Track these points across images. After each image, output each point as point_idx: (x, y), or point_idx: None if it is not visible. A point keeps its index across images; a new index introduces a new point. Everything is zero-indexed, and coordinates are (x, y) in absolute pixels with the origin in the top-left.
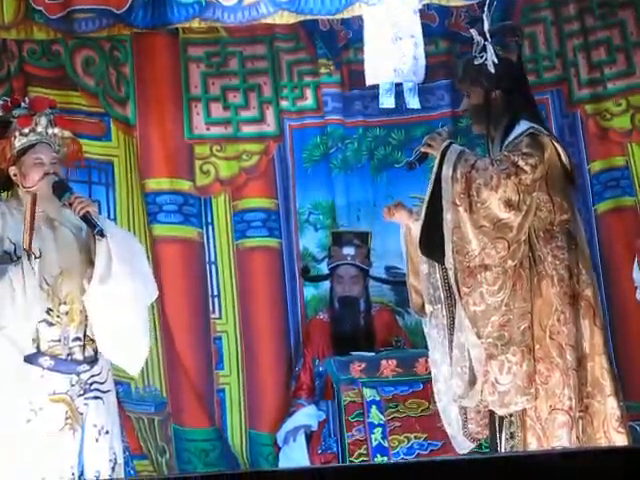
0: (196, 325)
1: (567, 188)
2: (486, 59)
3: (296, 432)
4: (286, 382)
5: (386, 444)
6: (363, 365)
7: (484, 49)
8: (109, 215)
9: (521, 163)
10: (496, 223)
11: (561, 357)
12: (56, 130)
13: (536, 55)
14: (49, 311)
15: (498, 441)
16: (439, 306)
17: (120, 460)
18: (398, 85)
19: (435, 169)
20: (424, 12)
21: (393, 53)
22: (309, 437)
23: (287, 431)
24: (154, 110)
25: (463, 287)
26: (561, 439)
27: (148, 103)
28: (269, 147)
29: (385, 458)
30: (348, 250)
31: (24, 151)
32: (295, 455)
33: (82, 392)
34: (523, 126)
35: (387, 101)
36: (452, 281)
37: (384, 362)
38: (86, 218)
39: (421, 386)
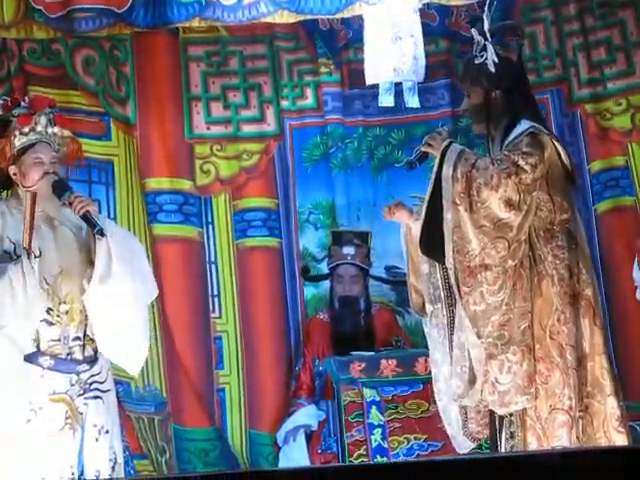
0: (196, 325)
1: (567, 188)
2: (486, 59)
3: (296, 432)
4: (286, 382)
5: (386, 445)
6: (363, 365)
7: (484, 48)
8: (109, 214)
9: (521, 162)
10: (496, 223)
11: (561, 357)
12: (56, 129)
13: (536, 55)
14: (49, 311)
15: (498, 441)
16: (439, 306)
17: (120, 460)
18: (398, 84)
19: (435, 168)
20: (424, 11)
21: (393, 53)
22: (309, 437)
23: (287, 431)
24: (154, 109)
25: (463, 287)
26: (561, 439)
27: (148, 102)
28: (269, 146)
29: (385, 459)
30: (348, 250)
31: (24, 150)
32: (295, 455)
33: (82, 392)
34: (523, 125)
35: (386, 100)
36: (452, 281)
37: (384, 362)
38: (86, 217)
39: (421, 386)
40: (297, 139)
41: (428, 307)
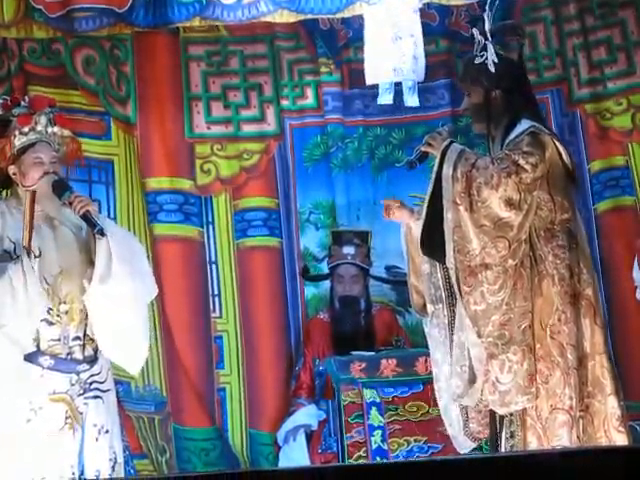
0: (196, 324)
1: (568, 187)
2: (486, 58)
3: (296, 431)
4: (286, 381)
5: (386, 447)
6: (363, 365)
7: (485, 48)
8: (109, 214)
9: (522, 162)
10: (497, 222)
11: (562, 356)
12: (56, 129)
13: (536, 54)
14: (49, 310)
15: (498, 440)
16: (440, 305)
17: (120, 459)
18: (398, 84)
19: (436, 168)
20: (424, 11)
21: (393, 52)
22: (309, 436)
23: (287, 430)
24: (154, 109)
25: (464, 286)
26: (561, 438)
27: (148, 102)
28: (270, 146)
29: (385, 461)
30: (348, 249)
31: (24, 150)
32: (295, 455)
33: (82, 391)
34: (524, 125)
35: (385, 98)
36: (453, 280)
37: (384, 361)
38: (86, 217)
39: (421, 387)
40: (297, 139)
41: (429, 307)
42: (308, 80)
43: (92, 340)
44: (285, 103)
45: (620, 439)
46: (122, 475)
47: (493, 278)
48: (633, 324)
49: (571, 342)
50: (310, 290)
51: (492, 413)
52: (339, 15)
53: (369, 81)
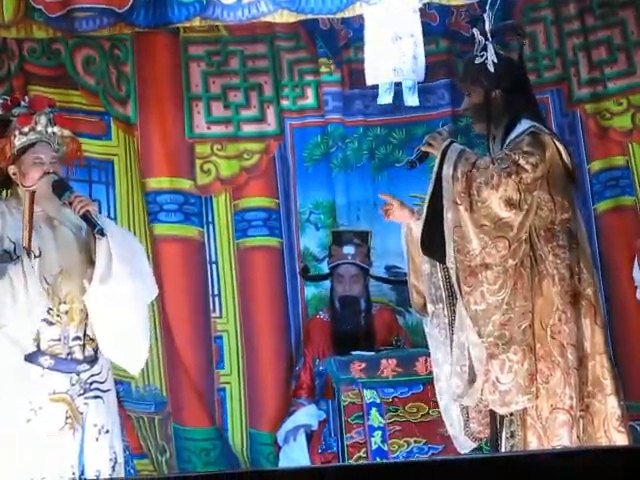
0: (196, 324)
1: (568, 187)
2: (487, 58)
3: (296, 431)
4: (286, 381)
5: (386, 448)
6: (363, 365)
7: (485, 48)
8: (109, 214)
9: (522, 162)
10: (497, 222)
11: (562, 356)
12: (55, 129)
13: (536, 54)
14: (49, 310)
15: (499, 440)
16: (441, 305)
17: (120, 459)
18: (398, 84)
19: (436, 168)
20: (424, 11)
21: (393, 52)
22: (309, 436)
23: (287, 430)
24: (155, 109)
25: (464, 286)
26: (562, 438)
27: (149, 102)
28: (270, 146)
29: (385, 461)
30: (348, 249)
31: (24, 150)
32: (295, 454)
33: (82, 391)
34: (524, 125)
35: (385, 98)
36: (454, 280)
37: (384, 361)
38: (86, 217)
39: (421, 388)
40: (297, 139)
41: (429, 307)
42: (308, 80)
43: (92, 340)
44: (285, 103)
45: (620, 439)
46: (122, 475)
47: (493, 278)
48: (633, 324)
49: (571, 342)
50: (310, 290)
51: (492, 413)
52: (339, 15)
53: (369, 81)
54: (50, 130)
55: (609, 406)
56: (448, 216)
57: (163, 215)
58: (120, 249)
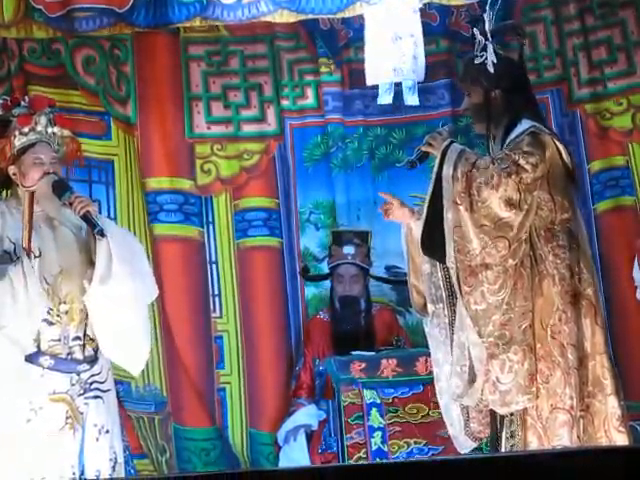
0: (197, 324)
1: (568, 187)
2: (486, 58)
3: (296, 431)
4: (286, 381)
5: (386, 448)
6: (363, 365)
7: (485, 48)
8: (109, 214)
9: (522, 162)
10: (497, 222)
11: (562, 356)
12: (55, 129)
13: (536, 54)
14: (49, 310)
15: (499, 440)
16: (441, 305)
17: (120, 459)
18: (398, 84)
19: (436, 168)
20: (424, 11)
21: (393, 52)
22: (309, 436)
23: (287, 430)
24: (155, 109)
25: (464, 286)
26: (562, 438)
27: (149, 102)
28: (270, 146)
29: (385, 461)
30: (348, 249)
31: (24, 150)
32: (295, 454)
33: (82, 391)
34: (524, 125)
35: (385, 98)
36: (454, 280)
37: (384, 361)
38: (86, 218)
39: (421, 388)
40: (298, 139)
41: (430, 307)
42: (308, 80)
43: (92, 340)
44: (285, 103)
45: (620, 439)
46: (122, 475)
47: (493, 278)
48: (633, 324)
49: (572, 342)
50: (310, 290)
51: (493, 413)
52: (339, 15)
53: (369, 81)
54: (50, 130)
55: (609, 406)
56: (448, 216)
57: (163, 215)
58: (120, 249)
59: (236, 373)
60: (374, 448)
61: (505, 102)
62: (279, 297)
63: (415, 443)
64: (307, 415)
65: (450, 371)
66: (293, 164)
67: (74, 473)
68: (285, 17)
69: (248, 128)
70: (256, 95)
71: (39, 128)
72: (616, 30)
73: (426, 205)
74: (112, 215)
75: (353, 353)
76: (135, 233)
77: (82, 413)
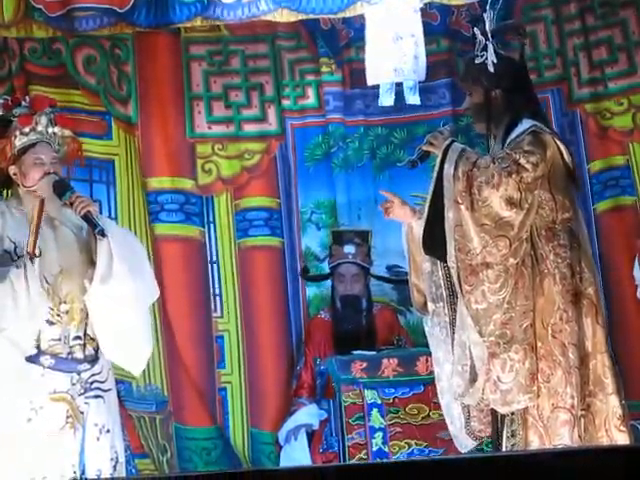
0: (197, 324)
1: (569, 186)
2: (487, 58)
3: (297, 431)
4: (287, 381)
5: (386, 449)
6: (364, 364)
7: (486, 48)
8: (110, 214)
9: (522, 161)
10: (498, 221)
11: (563, 355)
12: (56, 129)
13: (536, 54)
14: (49, 310)
15: (500, 439)
16: (441, 304)
17: (121, 459)
18: (399, 84)
19: (437, 167)
20: (425, 11)
21: (394, 52)
22: (310, 436)
23: (288, 430)
24: (156, 109)
25: (465, 285)
26: (563, 438)
27: (150, 102)
28: (271, 146)
29: (385, 461)
30: (349, 249)
31: (24, 150)
32: (296, 454)
33: (83, 391)
34: (525, 124)
35: (386, 99)
36: (454, 279)
37: (385, 361)
38: (87, 217)
39: (422, 388)
40: (299, 138)
41: (430, 306)
42: (309, 80)
43: (93, 339)
44: (286, 103)
45: (621, 438)
46: (123, 474)
47: (494, 277)
48: (633, 323)
49: (573, 341)
50: (311, 290)
51: (494, 412)
52: (340, 15)
53: (370, 81)
54: (51, 130)
55: (610, 405)
56: (449, 215)
57: (164, 215)
58: (121, 249)
59: (237, 372)
60: (375, 449)
61: (506, 102)
62: (280, 297)
63: (416, 444)
64: (308, 414)
65: (451, 370)
66: (294, 164)
67: (75, 472)
68: (285, 16)
69: (249, 128)
70: (257, 95)
71: (40, 128)
72: (617, 30)
73: (427, 204)
74: (113, 215)
75: (354, 353)
76: (136, 233)
77: (83, 413)
